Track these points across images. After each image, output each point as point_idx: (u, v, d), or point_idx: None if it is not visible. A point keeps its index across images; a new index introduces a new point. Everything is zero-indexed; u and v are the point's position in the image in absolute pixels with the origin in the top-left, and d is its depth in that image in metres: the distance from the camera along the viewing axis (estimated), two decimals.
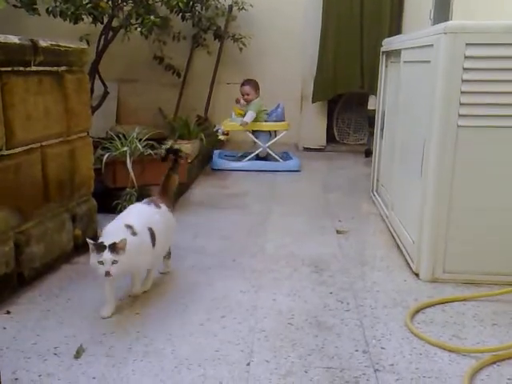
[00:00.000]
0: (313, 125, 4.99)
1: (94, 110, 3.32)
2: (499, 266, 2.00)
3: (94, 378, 1.38)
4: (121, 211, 2.64)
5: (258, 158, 4.18)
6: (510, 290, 1.86)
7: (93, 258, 1.63)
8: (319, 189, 3.58)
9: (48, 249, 2.03)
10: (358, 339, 1.60)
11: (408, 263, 2.18)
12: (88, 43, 3.46)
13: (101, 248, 1.61)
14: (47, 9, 3.26)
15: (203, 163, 4.04)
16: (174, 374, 1.40)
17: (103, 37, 3.75)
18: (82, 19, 3.32)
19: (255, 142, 4.20)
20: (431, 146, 1.97)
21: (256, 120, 4.10)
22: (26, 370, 1.41)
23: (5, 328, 1.62)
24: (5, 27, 3.22)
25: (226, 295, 1.88)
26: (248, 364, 1.46)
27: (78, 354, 1.48)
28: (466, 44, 1.86)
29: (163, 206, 1.91)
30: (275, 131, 4.22)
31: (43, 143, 2.00)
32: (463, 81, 1.88)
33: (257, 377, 1.40)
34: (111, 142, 2.81)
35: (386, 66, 3.12)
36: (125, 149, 2.74)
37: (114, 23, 3.61)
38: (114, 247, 1.61)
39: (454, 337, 1.63)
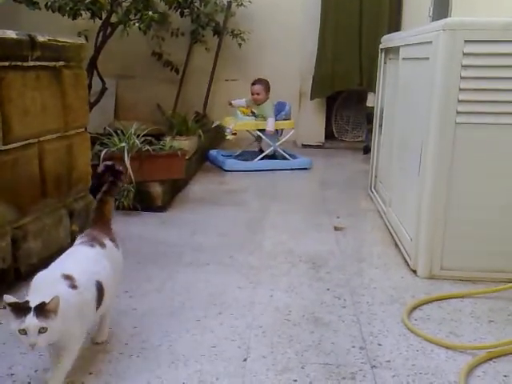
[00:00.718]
0: (311, 122, 4.98)
1: (92, 105, 3.31)
2: (496, 263, 2.00)
3: (90, 373, 1.38)
4: (118, 207, 2.68)
5: (263, 156, 4.07)
6: (506, 287, 1.85)
7: (13, 323, 1.17)
8: (317, 185, 3.58)
9: (45, 244, 2.02)
10: (355, 335, 1.60)
11: (405, 260, 2.18)
12: (86, 39, 3.45)
13: (23, 310, 1.15)
14: (46, 4, 3.25)
15: (201, 159, 4.03)
16: (170, 370, 1.40)
17: (101, 32, 3.74)
18: (81, 15, 3.31)
19: (259, 141, 4.15)
20: (429, 143, 1.96)
21: (264, 119, 4.03)
22: (22, 365, 1.41)
23: (1, 323, 1.61)
24: (3, 22, 3.21)
25: (224, 291, 1.88)
26: (245, 360, 1.46)
27: None
28: (465, 41, 1.86)
29: (108, 243, 1.49)
30: (282, 129, 4.16)
31: (41, 139, 2.00)
32: (462, 78, 1.88)
33: (253, 373, 1.40)
34: (109, 138, 2.81)
35: (385, 63, 3.12)
36: (123, 145, 2.74)
37: (113, 19, 3.60)
38: (41, 309, 1.15)
39: (451, 333, 1.63)
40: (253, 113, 4.07)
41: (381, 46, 3.18)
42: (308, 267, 2.13)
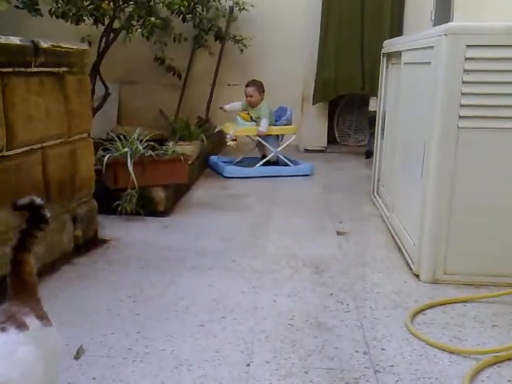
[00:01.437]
0: (313, 126, 4.99)
1: (95, 111, 3.33)
2: (500, 268, 2.00)
3: (93, 378, 1.38)
4: (121, 212, 2.68)
5: (264, 163, 3.99)
6: (510, 291, 1.85)
7: None
8: (320, 190, 3.58)
9: (48, 249, 2.03)
10: (358, 340, 1.60)
11: (408, 264, 2.18)
12: (89, 44, 3.47)
13: None
14: (49, 10, 3.26)
15: (204, 164, 4.04)
16: (173, 375, 1.40)
17: (104, 38, 3.75)
18: (84, 20, 3.33)
19: (261, 147, 4.06)
20: (432, 148, 1.97)
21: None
22: None
23: None
24: (6, 28, 3.23)
25: (227, 296, 1.88)
26: (248, 365, 1.46)
27: (78, 355, 1.48)
28: (467, 46, 1.86)
29: (33, 322, 1.02)
30: (282, 135, 4.08)
31: (44, 144, 2.00)
32: (464, 82, 1.88)
33: (257, 378, 1.40)
34: (112, 143, 2.82)
35: (387, 68, 3.12)
36: (126, 150, 2.75)
37: (116, 25, 3.61)
38: None
39: (455, 338, 1.63)
40: (251, 118, 3.99)
41: (383, 51, 3.19)
42: (311, 272, 2.13)
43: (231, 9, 4.67)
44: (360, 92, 4.76)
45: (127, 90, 5.03)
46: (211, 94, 4.87)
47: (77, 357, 1.47)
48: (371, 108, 4.46)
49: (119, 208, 2.70)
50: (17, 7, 3.22)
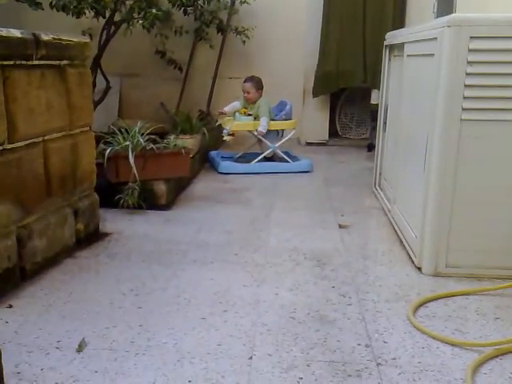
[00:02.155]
0: (315, 119, 4.98)
1: (96, 104, 3.32)
2: (502, 261, 1.99)
3: (96, 371, 1.38)
4: (123, 206, 2.68)
5: (262, 159, 3.91)
6: None
7: None
8: (321, 183, 3.57)
9: (50, 243, 2.03)
10: (361, 333, 1.60)
11: (410, 257, 2.18)
12: (90, 37, 3.46)
13: None
14: (50, 3, 3.25)
15: (205, 158, 4.03)
16: (176, 368, 1.40)
17: (105, 31, 3.74)
18: (85, 13, 3.31)
19: (260, 142, 3.97)
20: (434, 140, 1.96)
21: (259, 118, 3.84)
22: (28, 363, 1.41)
23: (7, 322, 1.62)
24: (7, 21, 3.22)
25: (229, 289, 1.88)
26: (250, 358, 1.46)
27: (80, 348, 1.48)
28: (470, 37, 1.85)
29: None
30: (282, 130, 3.99)
31: (45, 137, 2.00)
32: (467, 74, 1.87)
33: (259, 370, 1.40)
34: (113, 137, 2.81)
35: (389, 60, 3.11)
36: (127, 143, 2.74)
37: (116, 17, 3.60)
38: None
39: (457, 331, 1.63)
40: (249, 114, 3.89)
41: (385, 43, 3.17)
42: (313, 265, 2.13)
43: (233, 1, 4.65)
44: (362, 85, 4.74)
45: (128, 83, 5.02)
46: (212, 87, 4.85)
47: (79, 350, 1.47)
48: (373, 101, 4.45)
49: (121, 201, 2.70)
50: (17, 0, 3.20)
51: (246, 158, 3.99)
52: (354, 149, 4.79)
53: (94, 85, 3.51)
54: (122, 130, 2.85)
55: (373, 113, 4.16)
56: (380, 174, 3.23)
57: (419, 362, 1.45)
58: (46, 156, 2.01)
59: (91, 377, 1.36)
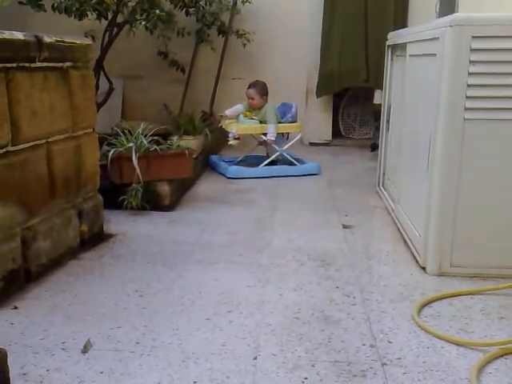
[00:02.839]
0: (318, 119, 4.98)
1: (99, 106, 3.32)
2: (506, 260, 1.99)
3: (101, 372, 1.39)
4: (127, 207, 2.69)
5: (269, 162, 3.83)
6: None
7: None
8: (325, 183, 3.57)
9: (54, 244, 2.03)
10: (365, 333, 1.60)
11: (415, 257, 2.17)
12: (93, 39, 3.46)
13: None
14: (52, 5, 3.26)
15: (208, 159, 4.03)
16: (181, 368, 1.41)
17: (108, 33, 3.74)
18: (87, 15, 3.32)
19: (265, 145, 3.90)
20: (437, 140, 1.96)
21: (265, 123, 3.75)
22: (34, 364, 1.41)
23: (12, 323, 1.62)
24: (10, 24, 3.22)
25: (233, 290, 1.89)
26: (255, 358, 1.46)
27: (86, 349, 1.49)
28: (473, 37, 1.85)
29: None
30: (288, 133, 3.92)
31: (49, 139, 2.00)
32: (469, 74, 1.87)
33: (264, 371, 1.40)
34: (117, 138, 2.82)
35: (392, 60, 3.11)
36: (130, 145, 2.75)
37: (119, 19, 3.61)
38: None
39: (462, 330, 1.63)
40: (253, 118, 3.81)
41: (387, 43, 3.17)
42: (317, 265, 2.13)
43: (234, 2, 4.65)
44: (365, 85, 4.74)
45: (131, 84, 5.02)
46: (215, 88, 4.86)
47: (84, 351, 1.48)
48: (376, 101, 4.44)
49: (125, 203, 2.71)
50: (20, 3, 3.21)
51: (248, 161, 3.93)
52: (357, 149, 4.79)
53: (97, 87, 3.52)
54: (126, 131, 2.85)
55: (376, 113, 4.15)
56: (384, 173, 3.23)
57: (424, 362, 1.45)
58: (50, 158, 2.01)
59: (97, 378, 1.36)
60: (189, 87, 4.86)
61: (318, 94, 4.84)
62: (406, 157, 2.54)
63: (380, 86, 3.56)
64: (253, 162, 3.89)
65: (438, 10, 3.54)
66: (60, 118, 2.07)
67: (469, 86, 1.88)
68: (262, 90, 3.82)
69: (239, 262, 2.16)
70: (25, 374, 1.37)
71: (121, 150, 2.74)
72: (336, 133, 5.12)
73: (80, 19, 3.30)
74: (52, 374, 1.37)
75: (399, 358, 1.47)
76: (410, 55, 2.52)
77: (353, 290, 1.90)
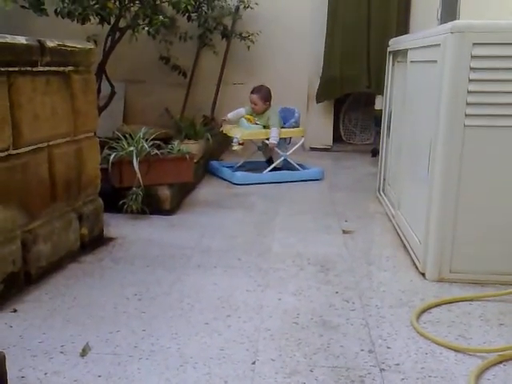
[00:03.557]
0: (319, 125, 4.98)
1: (100, 110, 3.33)
2: (506, 266, 1.99)
3: (99, 376, 1.39)
4: (127, 211, 2.69)
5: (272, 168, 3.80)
6: None
7: None
8: (325, 188, 3.57)
9: (55, 248, 2.04)
10: (364, 339, 1.60)
11: (414, 263, 2.17)
12: (95, 43, 3.48)
13: None
14: (55, 10, 3.27)
15: (208, 164, 4.02)
16: (179, 373, 1.41)
17: (110, 37, 3.76)
18: (90, 20, 3.33)
19: (264, 150, 3.88)
20: (438, 146, 1.96)
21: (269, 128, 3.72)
22: (32, 367, 1.42)
23: (11, 326, 1.63)
24: (12, 28, 3.24)
25: (232, 294, 1.89)
26: (253, 363, 1.46)
27: (84, 353, 1.49)
28: (473, 43, 1.85)
29: None
30: (290, 138, 3.91)
31: (50, 143, 2.01)
32: (470, 80, 1.88)
33: (262, 375, 1.40)
34: (118, 142, 2.82)
35: (393, 66, 3.12)
36: (131, 149, 2.75)
37: (121, 24, 3.62)
38: None
39: (460, 336, 1.63)
40: (256, 123, 3.77)
41: (389, 49, 3.18)
42: (316, 270, 2.13)
43: (237, 8, 4.67)
44: (366, 90, 4.75)
45: (133, 88, 5.04)
46: (216, 92, 4.87)
47: (83, 354, 1.48)
48: (377, 106, 4.45)
49: (125, 206, 2.71)
50: (23, 7, 3.22)
51: (247, 166, 3.91)
52: (357, 154, 4.80)
53: (99, 90, 3.54)
54: (127, 135, 2.86)
55: (377, 118, 4.16)
56: (384, 179, 3.24)
57: (422, 368, 1.45)
58: (51, 161, 2.02)
59: (95, 381, 1.36)
60: (190, 92, 4.87)
61: (318, 99, 4.85)
62: (406, 162, 2.55)
63: (381, 92, 3.56)
64: (252, 167, 3.88)
65: (439, 17, 3.56)
66: (61, 121, 2.08)
67: (469, 92, 1.88)
68: (266, 95, 3.79)
69: (238, 266, 2.16)
70: (23, 377, 1.37)
71: (122, 153, 2.75)
72: (337, 138, 5.12)
73: (83, 23, 3.32)
74: (50, 378, 1.37)
75: (398, 364, 1.47)
76: (411, 61, 2.53)
77: (352, 295, 1.90)
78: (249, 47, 4.64)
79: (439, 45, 1.95)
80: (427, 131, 2.08)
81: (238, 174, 3.68)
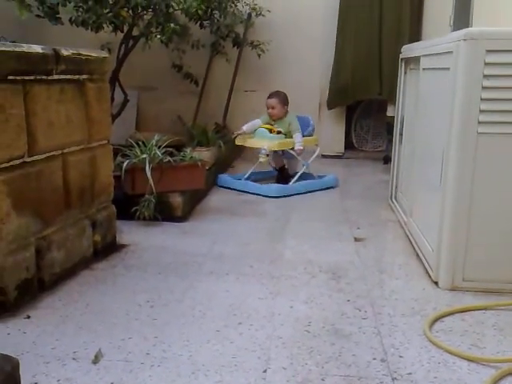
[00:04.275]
0: (331, 132, 4.98)
1: (114, 117, 3.36)
2: None
3: (111, 383, 1.39)
4: (139, 218, 2.71)
5: (280, 178, 3.78)
6: None
7: None
8: (337, 196, 3.56)
9: (68, 254, 2.06)
10: (376, 347, 1.59)
11: (427, 271, 2.16)
12: (109, 52, 3.51)
13: None
14: (70, 18, 3.31)
15: (221, 170, 4.04)
16: (190, 380, 1.41)
17: (124, 45, 3.80)
18: (103, 28, 3.37)
19: (275, 159, 3.82)
20: (451, 153, 1.95)
21: (289, 136, 3.67)
22: (45, 374, 1.43)
23: (25, 332, 1.64)
24: (28, 37, 3.29)
25: (244, 302, 1.89)
26: (265, 371, 1.46)
27: (97, 359, 1.50)
28: (486, 51, 1.85)
29: None
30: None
31: (64, 150, 2.03)
32: (483, 88, 1.87)
33: None
34: (131, 149, 2.84)
35: (405, 73, 3.11)
36: (144, 156, 2.77)
37: (135, 32, 3.66)
38: None
39: (474, 346, 1.61)
40: (279, 131, 3.65)
41: (401, 56, 3.18)
42: (328, 278, 2.12)
43: (249, 15, 4.69)
44: (378, 97, 4.74)
45: (146, 96, 5.07)
46: (228, 100, 4.89)
47: (95, 361, 1.49)
48: (389, 113, 4.44)
49: (137, 213, 2.73)
50: (38, 16, 3.27)
51: (253, 177, 3.83)
52: (369, 161, 4.78)
53: (113, 98, 3.57)
54: (140, 142, 2.88)
55: (389, 125, 4.15)
56: (396, 186, 3.22)
57: (435, 377, 1.44)
58: (65, 169, 2.04)
59: None
60: (202, 99, 4.90)
61: (329, 106, 4.85)
62: (418, 170, 2.54)
63: (393, 99, 3.55)
64: (260, 178, 3.83)
65: (452, 24, 3.55)
66: (76, 129, 2.10)
67: (482, 99, 1.88)
68: (284, 99, 3.73)
69: (251, 273, 2.16)
70: (36, 383, 1.39)
71: (135, 161, 2.77)
72: (348, 145, 5.11)
73: (97, 32, 3.36)
74: None
75: (410, 373, 1.46)
76: (424, 69, 2.52)
77: (364, 303, 1.89)
78: (259, 55, 4.65)
79: (452, 52, 1.94)
80: (440, 138, 2.07)
81: (273, 187, 3.57)
